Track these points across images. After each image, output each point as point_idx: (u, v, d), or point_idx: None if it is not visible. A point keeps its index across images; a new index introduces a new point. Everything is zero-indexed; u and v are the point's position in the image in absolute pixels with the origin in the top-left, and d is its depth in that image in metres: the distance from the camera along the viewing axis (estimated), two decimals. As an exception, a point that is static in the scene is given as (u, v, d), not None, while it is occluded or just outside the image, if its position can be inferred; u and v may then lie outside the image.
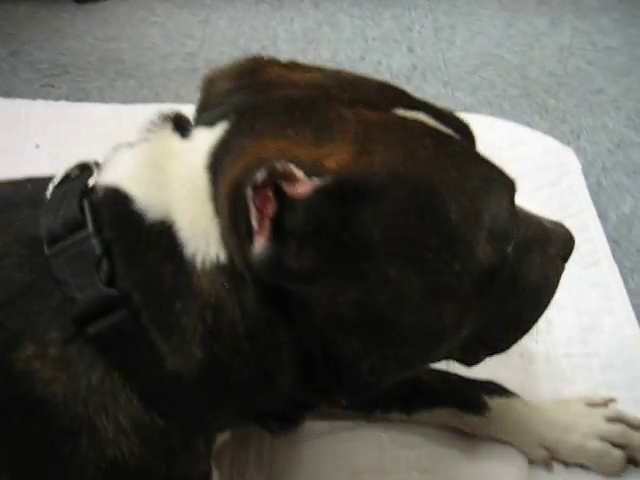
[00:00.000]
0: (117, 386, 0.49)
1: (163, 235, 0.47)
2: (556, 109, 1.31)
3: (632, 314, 0.90)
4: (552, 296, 0.65)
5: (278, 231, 0.43)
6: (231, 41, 1.45)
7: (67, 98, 1.27)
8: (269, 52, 0.58)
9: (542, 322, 0.85)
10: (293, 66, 0.57)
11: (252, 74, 0.55)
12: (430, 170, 0.50)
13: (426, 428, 0.75)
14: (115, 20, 1.59)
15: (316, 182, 0.42)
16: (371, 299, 0.48)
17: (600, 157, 1.19)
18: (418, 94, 1.20)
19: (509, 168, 1.07)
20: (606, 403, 0.78)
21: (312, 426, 0.75)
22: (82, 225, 0.50)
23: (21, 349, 0.48)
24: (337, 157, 0.46)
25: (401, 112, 0.52)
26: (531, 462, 0.75)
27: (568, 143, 1.19)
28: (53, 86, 1.34)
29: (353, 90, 0.53)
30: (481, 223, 0.51)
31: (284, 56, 0.57)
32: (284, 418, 0.59)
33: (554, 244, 0.62)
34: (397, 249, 0.48)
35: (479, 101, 1.33)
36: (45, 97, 1.28)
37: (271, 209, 0.42)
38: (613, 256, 0.99)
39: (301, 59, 0.58)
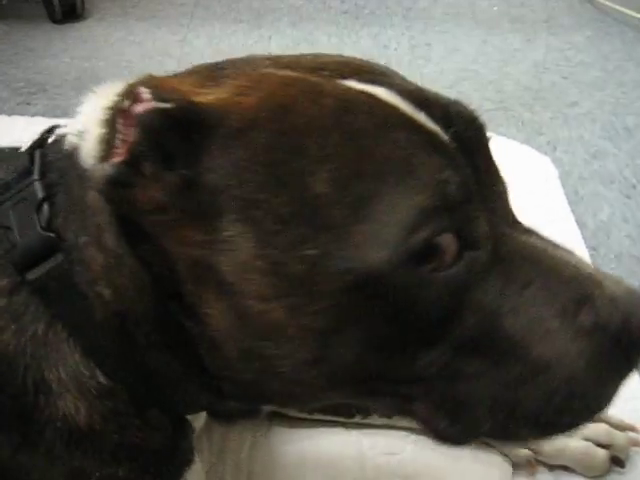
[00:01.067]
0: (60, 338, 0.48)
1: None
2: (532, 122, 1.32)
3: None
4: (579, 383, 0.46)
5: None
6: (209, 60, 1.46)
7: (44, 115, 1.27)
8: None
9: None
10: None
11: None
12: (305, 129, 0.43)
13: (408, 433, 0.75)
14: (92, 39, 1.59)
15: (156, 104, 0.41)
16: (209, 256, 0.44)
17: (576, 167, 1.20)
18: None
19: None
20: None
21: (291, 433, 0.75)
22: (30, 172, 0.50)
23: None
24: (209, 95, 0.44)
25: (351, 83, 0.46)
26: (515, 467, 0.75)
27: (545, 154, 1.21)
28: (29, 104, 1.34)
29: (305, 61, 0.50)
30: (365, 211, 0.42)
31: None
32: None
33: (595, 311, 0.45)
34: (241, 205, 0.43)
35: None
36: (22, 114, 1.28)
37: (131, 134, 0.41)
38: (592, 262, 0.99)
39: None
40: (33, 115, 1.28)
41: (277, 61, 0.49)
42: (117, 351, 0.49)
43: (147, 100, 0.41)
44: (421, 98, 0.46)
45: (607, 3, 1.70)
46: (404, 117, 0.44)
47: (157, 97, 0.41)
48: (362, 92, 0.45)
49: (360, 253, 0.41)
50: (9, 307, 0.48)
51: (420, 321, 0.43)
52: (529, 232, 0.48)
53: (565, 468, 0.75)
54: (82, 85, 1.40)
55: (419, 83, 1.41)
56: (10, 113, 1.30)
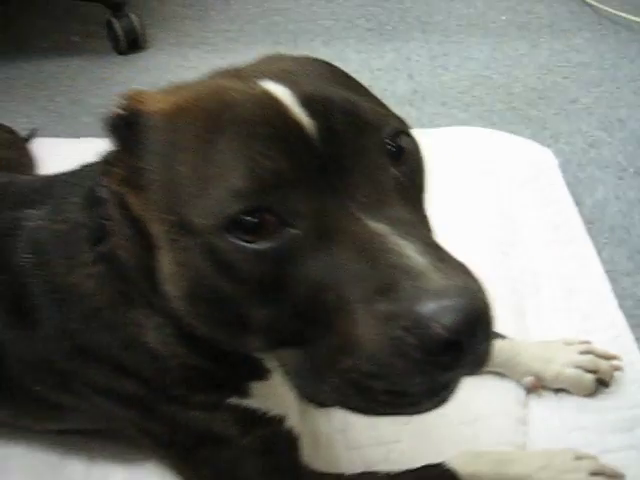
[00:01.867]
0: (126, 289, 0.66)
1: None
2: (537, 118, 1.50)
3: (605, 277, 1.09)
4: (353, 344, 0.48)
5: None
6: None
7: None
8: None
9: (531, 285, 1.08)
10: (302, 59, 0.64)
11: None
12: (186, 124, 0.54)
13: None
14: (154, 67, 1.77)
15: (119, 112, 0.58)
16: (146, 214, 0.58)
17: (576, 155, 1.38)
18: (420, 114, 1.44)
19: (498, 169, 1.29)
20: (583, 344, 0.96)
21: None
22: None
23: (73, 273, 0.68)
24: (162, 103, 0.57)
25: (265, 83, 0.54)
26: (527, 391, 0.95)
27: (549, 146, 1.38)
28: None
29: (262, 68, 0.59)
30: (204, 189, 0.51)
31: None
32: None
33: (395, 299, 0.46)
34: (151, 179, 0.56)
35: (472, 116, 1.51)
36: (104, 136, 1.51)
37: (109, 130, 0.58)
38: (589, 234, 1.18)
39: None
40: None
41: (238, 70, 0.61)
42: (146, 295, 0.65)
43: (116, 108, 0.58)
44: (311, 95, 0.53)
45: (604, 7, 1.87)
46: (279, 112, 0.52)
47: (122, 105, 0.58)
48: (262, 91, 0.53)
49: (198, 219, 0.51)
50: (96, 272, 0.67)
51: (244, 280, 0.51)
52: (393, 221, 0.50)
53: (563, 390, 0.93)
54: None
55: (438, 91, 1.61)
56: (94, 136, 1.50)
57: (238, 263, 0.50)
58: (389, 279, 0.46)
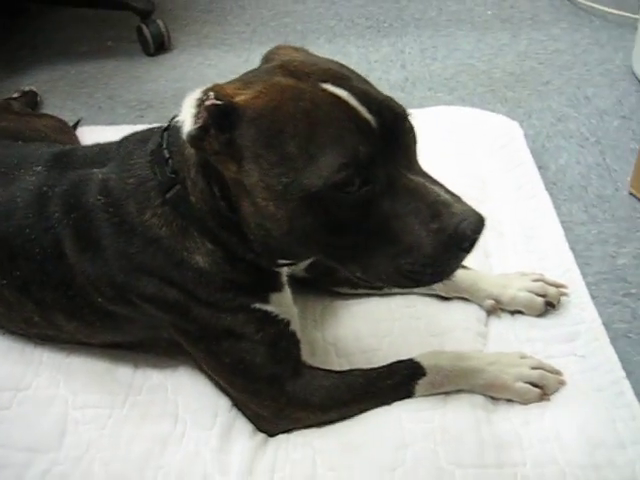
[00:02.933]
0: (185, 226, 0.88)
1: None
2: (513, 98, 1.69)
3: (559, 225, 1.28)
4: (425, 260, 0.75)
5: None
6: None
7: (156, 122, 1.69)
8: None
9: (495, 232, 1.28)
10: (303, 50, 0.90)
11: (269, 55, 0.89)
12: (286, 119, 0.74)
13: (414, 296, 1.14)
14: (179, 66, 1.98)
15: (216, 102, 0.75)
16: (239, 179, 0.79)
17: (545, 128, 1.57)
18: (410, 99, 1.68)
19: (472, 139, 1.48)
20: (535, 274, 1.14)
21: (346, 301, 1.16)
22: (162, 143, 0.88)
23: (145, 214, 0.89)
24: (242, 96, 0.76)
25: (327, 85, 0.75)
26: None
27: (522, 122, 1.57)
28: (143, 117, 1.76)
29: (307, 68, 0.78)
30: (312, 162, 0.73)
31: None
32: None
33: (442, 219, 0.73)
34: (253, 154, 0.76)
35: (456, 98, 1.71)
36: (138, 124, 1.66)
37: (205, 115, 0.75)
38: (551, 192, 1.36)
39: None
40: (148, 124, 1.69)
41: (286, 67, 0.79)
42: (208, 230, 0.87)
43: (212, 98, 0.75)
44: (366, 97, 0.75)
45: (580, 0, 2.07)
46: (350, 110, 0.74)
47: (216, 97, 0.75)
48: (330, 93, 0.75)
49: (309, 182, 0.73)
50: (162, 212, 0.89)
51: (342, 219, 0.75)
52: (422, 174, 0.78)
53: (518, 311, 1.11)
54: (177, 100, 1.72)
55: (427, 78, 1.85)
56: (130, 124, 1.69)
57: (340, 206, 0.74)
58: (434, 209, 0.74)
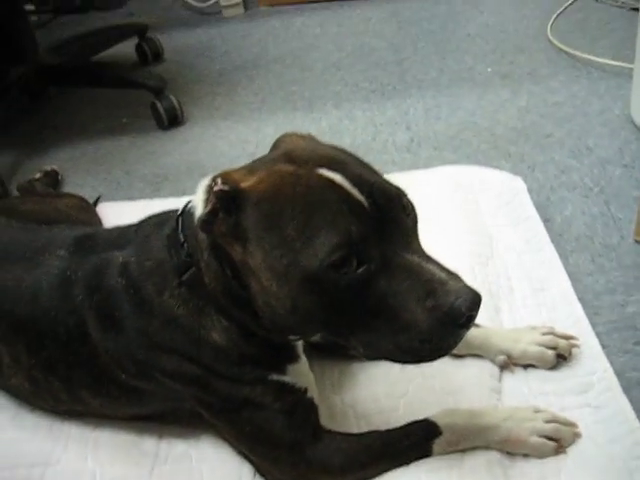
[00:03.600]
0: (202, 305, 0.92)
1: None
2: (516, 153, 1.73)
3: (567, 277, 1.31)
4: (418, 335, 0.78)
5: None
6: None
7: (170, 196, 1.73)
8: (304, 144, 0.94)
9: (505, 287, 1.31)
10: (308, 137, 0.94)
11: (277, 143, 0.95)
12: (285, 203, 0.79)
13: None
14: (192, 139, 2.04)
15: (223, 187, 0.80)
16: (245, 260, 0.83)
17: (549, 181, 1.61)
18: (415, 159, 1.74)
19: (478, 196, 1.53)
20: (545, 327, 1.16)
21: (363, 360, 1.16)
22: (177, 228, 0.93)
23: (163, 295, 0.94)
24: (247, 182, 0.81)
25: (323, 170, 0.80)
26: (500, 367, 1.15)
27: (525, 176, 1.60)
28: (159, 190, 1.81)
29: (306, 155, 0.83)
30: (308, 244, 0.77)
31: (315, 146, 0.96)
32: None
33: (437, 297, 0.76)
34: (256, 236, 0.80)
35: (460, 156, 1.75)
36: (155, 197, 1.76)
37: (214, 200, 0.81)
38: (558, 244, 1.39)
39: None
40: (164, 197, 1.74)
41: (288, 155, 0.84)
42: (223, 308, 0.91)
43: (220, 184, 0.81)
44: (359, 180, 0.79)
45: (577, 53, 2.12)
46: (343, 192, 0.78)
47: (224, 182, 0.81)
48: (325, 177, 0.79)
49: (306, 263, 0.77)
50: (179, 293, 0.93)
51: (341, 298, 0.78)
52: (418, 253, 0.80)
53: (530, 365, 1.13)
54: (192, 172, 1.86)
55: (432, 137, 1.91)
56: (147, 198, 1.78)
57: (335, 287, 0.77)
58: (429, 287, 0.77)
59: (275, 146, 0.95)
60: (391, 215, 0.80)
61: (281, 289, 0.81)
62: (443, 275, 0.77)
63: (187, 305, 0.94)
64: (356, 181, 0.80)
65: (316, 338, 1.03)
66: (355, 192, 0.79)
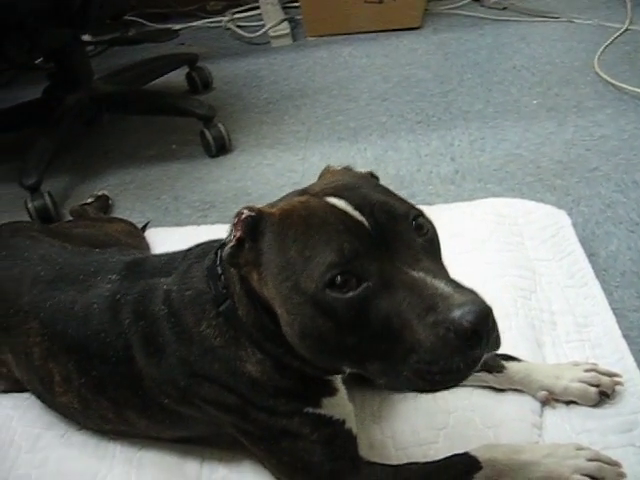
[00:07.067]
0: (238, 336, 0.94)
1: None
2: (561, 186, 1.72)
3: (612, 313, 1.30)
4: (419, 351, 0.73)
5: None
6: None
7: (217, 223, 1.75)
8: (351, 175, 1.01)
9: (548, 322, 1.30)
10: (343, 170, 0.96)
11: (321, 174, 0.99)
12: (291, 228, 0.81)
13: (469, 388, 1.16)
14: (239, 166, 2.07)
15: (249, 213, 0.84)
16: (261, 288, 0.86)
17: (594, 215, 1.59)
18: (460, 191, 1.75)
19: (522, 230, 1.52)
20: (587, 364, 1.15)
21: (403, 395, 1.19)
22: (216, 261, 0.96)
23: (201, 325, 0.97)
24: (268, 212, 0.85)
25: (329, 198, 0.82)
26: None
27: (571, 209, 1.60)
28: (206, 216, 1.85)
29: (321, 187, 0.87)
30: (307, 265, 0.78)
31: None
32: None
33: (438, 312, 0.71)
34: (266, 260, 0.83)
35: (505, 189, 1.74)
36: (202, 224, 1.80)
37: (239, 231, 0.84)
38: (603, 279, 1.38)
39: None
40: (211, 224, 1.78)
41: (305, 189, 0.89)
42: (256, 340, 0.93)
43: (247, 212, 0.85)
44: (361, 201, 0.81)
45: (625, 85, 2.11)
46: (342, 214, 0.79)
47: (249, 209, 0.85)
48: (329, 203, 0.81)
49: (305, 285, 0.78)
50: (216, 323, 0.96)
51: (345, 320, 0.77)
52: (426, 270, 0.76)
53: (572, 402, 1.12)
54: (238, 199, 1.90)
55: (477, 169, 1.92)
56: (194, 224, 1.81)
57: (336, 308, 0.76)
58: (431, 302, 0.73)
59: (319, 177, 0.98)
60: (395, 233, 0.79)
61: (289, 315, 0.82)
62: (448, 289, 0.73)
63: (224, 336, 0.96)
64: (358, 203, 0.81)
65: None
66: (355, 213, 0.80)
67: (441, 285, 0.74)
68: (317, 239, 0.78)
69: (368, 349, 0.79)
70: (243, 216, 0.85)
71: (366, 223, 0.79)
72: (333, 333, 0.78)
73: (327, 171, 0.99)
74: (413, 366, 0.75)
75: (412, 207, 0.85)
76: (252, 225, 0.84)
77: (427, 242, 0.82)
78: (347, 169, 0.98)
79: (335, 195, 0.83)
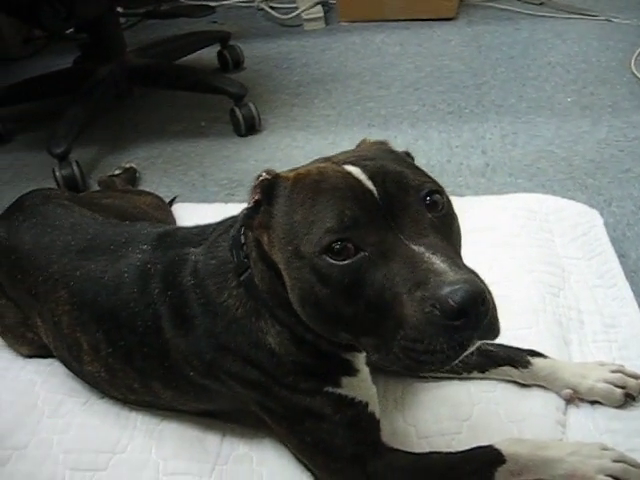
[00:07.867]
0: (257, 306, 0.94)
1: None
2: (593, 186, 1.70)
3: None
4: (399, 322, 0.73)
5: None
6: (351, 155, 1.96)
7: (245, 201, 1.78)
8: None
9: (575, 320, 1.29)
10: (378, 142, 0.95)
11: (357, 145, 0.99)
12: (300, 189, 0.81)
13: (494, 381, 1.16)
14: (268, 147, 2.08)
15: (267, 176, 0.86)
16: (271, 246, 0.85)
17: (625, 217, 1.58)
18: (490, 184, 1.73)
19: (552, 227, 1.50)
20: (614, 365, 1.14)
21: (427, 383, 1.18)
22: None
23: (223, 294, 0.96)
24: (284, 176, 0.85)
25: (346, 165, 0.81)
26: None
27: (602, 209, 1.58)
28: (233, 195, 1.86)
29: (345, 155, 0.86)
30: (309, 230, 0.78)
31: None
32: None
33: (427, 288, 0.69)
34: (275, 222, 0.83)
35: (535, 185, 1.73)
36: (229, 202, 1.79)
37: (257, 194, 0.85)
38: (632, 281, 1.37)
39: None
40: (238, 202, 1.74)
41: (331, 157, 0.88)
42: (273, 310, 0.93)
43: (264, 176, 0.86)
44: (375, 170, 0.79)
45: (662, 87, 2.10)
46: (353, 181, 0.79)
47: (267, 172, 0.87)
48: (344, 170, 0.80)
49: (304, 249, 0.78)
50: (237, 293, 0.95)
51: (342, 288, 0.76)
52: (429, 245, 0.74)
53: (597, 402, 1.11)
54: None
55: (507, 164, 1.90)
56: (221, 202, 1.81)
57: (331, 274, 0.76)
58: (423, 277, 0.71)
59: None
60: (403, 204, 0.78)
61: (290, 279, 0.82)
62: (443, 266, 0.71)
63: (245, 307, 0.95)
64: (373, 172, 0.80)
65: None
66: (367, 182, 0.79)
67: (437, 261, 0.71)
68: (323, 204, 0.78)
69: (363, 321, 0.78)
70: (260, 179, 0.86)
71: (375, 192, 0.78)
72: (329, 301, 0.78)
73: (362, 142, 0.99)
74: (400, 343, 0.74)
75: (430, 182, 0.82)
76: (268, 188, 0.85)
77: (438, 219, 0.79)
78: (382, 142, 0.96)
79: (354, 163, 0.82)
